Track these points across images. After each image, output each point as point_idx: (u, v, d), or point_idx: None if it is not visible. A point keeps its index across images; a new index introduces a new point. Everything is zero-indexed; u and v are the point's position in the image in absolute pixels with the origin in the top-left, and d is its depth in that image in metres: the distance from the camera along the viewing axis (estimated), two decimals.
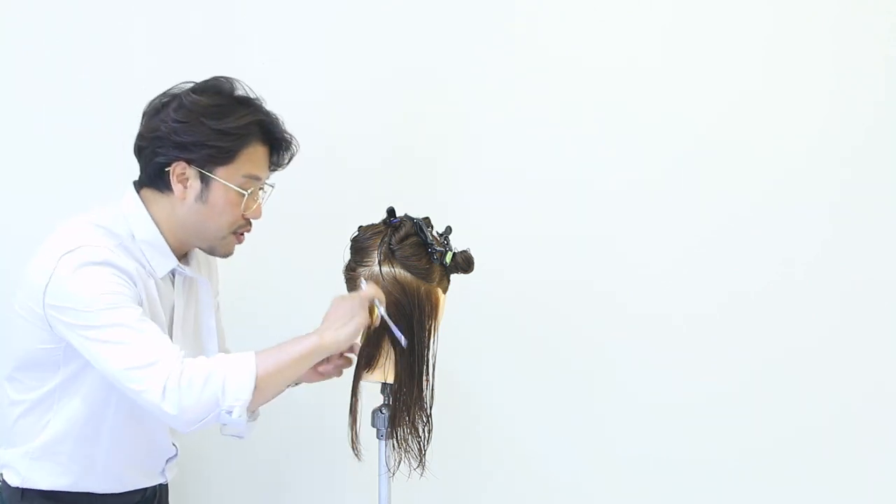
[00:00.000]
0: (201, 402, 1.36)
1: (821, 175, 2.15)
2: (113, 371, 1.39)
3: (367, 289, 1.50)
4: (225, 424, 1.45)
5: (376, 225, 1.57)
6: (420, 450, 1.59)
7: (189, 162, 1.49)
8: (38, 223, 1.60)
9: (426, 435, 1.59)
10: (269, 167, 1.59)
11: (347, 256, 1.59)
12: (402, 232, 1.54)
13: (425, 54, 2.15)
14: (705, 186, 2.16)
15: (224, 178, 1.50)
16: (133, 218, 1.53)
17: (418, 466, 1.59)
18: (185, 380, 1.36)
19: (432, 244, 1.54)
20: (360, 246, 1.56)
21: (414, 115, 2.17)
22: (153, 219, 1.53)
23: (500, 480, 2.26)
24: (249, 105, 1.54)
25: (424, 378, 1.56)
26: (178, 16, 2.11)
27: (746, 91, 2.14)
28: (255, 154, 1.53)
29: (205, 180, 1.50)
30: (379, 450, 1.60)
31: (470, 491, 2.25)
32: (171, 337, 1.57)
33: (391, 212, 1.57)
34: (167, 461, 1.68)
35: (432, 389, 1.58)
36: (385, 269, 1.52)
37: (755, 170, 2.15)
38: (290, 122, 2.13)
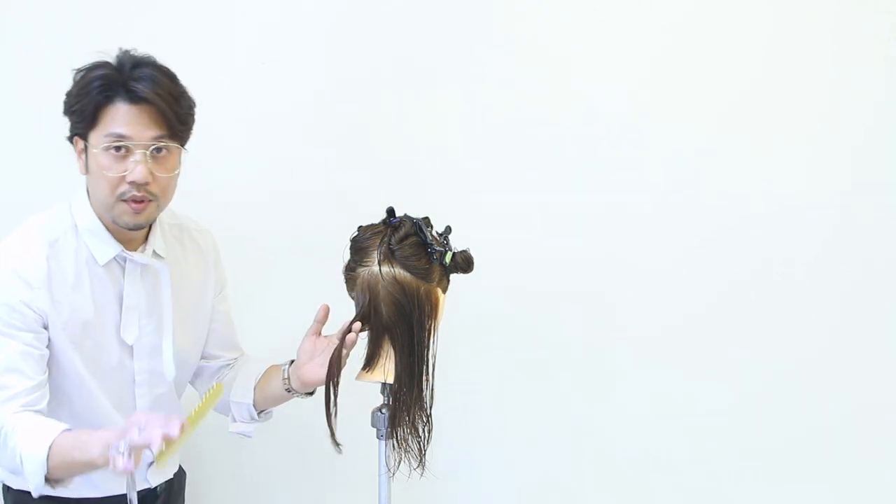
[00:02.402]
0: (5, 464, 1.45)
1: (821, 176, 2.15)
2: None
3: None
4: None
5: (376, 225, 1.57)
6: (420, 450, 1.59)
7: (79, 135, 1.50)
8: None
9: (426, 435, 1.59)
10: (158, 127, 1.47)
11: (347, 256, 1.59)
12: (402, 232, 1.53)
13: (426, 54, 2.15)
14: (704, 188, 2.16)
15: (93, 143, 1.47)
16: (75, 208, 1.54)
17: (418, 466, 1.58)
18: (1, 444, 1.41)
19: (432, 244, 1.54)
20: (359, 246, 1.56)
21: (414, 116, 2.17)
22: (93, 205, 1.54)
23: (500, 480, 2.26)
24: (105, 65, 1.48)
25: (424, 378, 1.56)
26: (178, 16, 2.11)
27: (746, 93, 2.14)
28: (115, 112, 1.45)
29: (86, 149, 1.49)
30: (379, 450, 1.59)
31: (470, 491, 2.25)
32: (121, 325, 1.57)
33: (391, 212, 1.57)
34: (148, 466, 1.65)
35: (432, 389, 1.58)
36: (385, 269, 1.52)
37: (755, 172, 2.15)
38: (290, 121, 2.15)
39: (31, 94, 2.08)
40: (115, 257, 1.55)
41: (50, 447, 1.38)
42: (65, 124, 1.52)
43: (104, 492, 1.62)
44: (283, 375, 1.66)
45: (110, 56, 1.49)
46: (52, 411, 1.52)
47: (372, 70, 2.14)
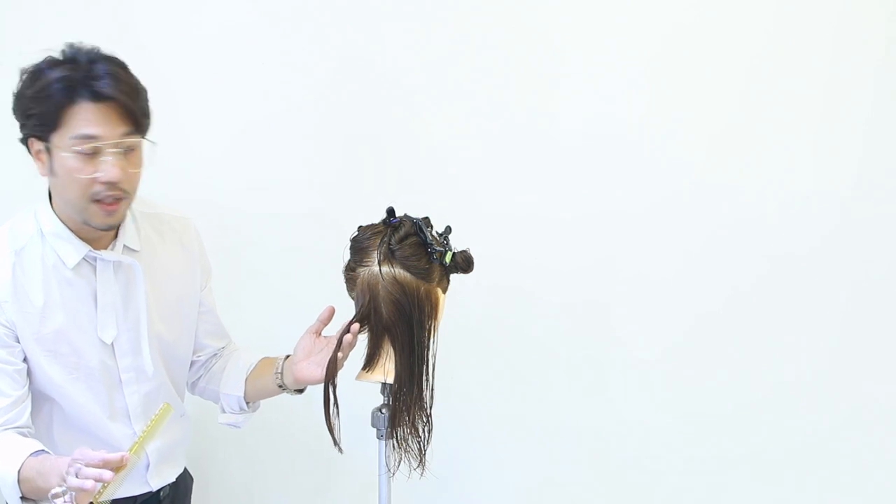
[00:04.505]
0: None
1: (824, 178, 2.15)
2: None
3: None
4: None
5: (376, 225, 1.57)
6: (420, 450, 1.59)
7: (37, 137, 1.45)
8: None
9: (426, 435, 1.59)
10: (123, 124, 1.43)
11: (347, 256, 1.59)
12: (402, 232, 1.53)
13: (426, 54, 2.15)
14: (705, 192, 2.16)
15: (57, 145, 1.42)
16: (39, 212, 1.52)
17: (418, 466, 1.58)
18: None
19: (432, 244, 1.54)
20: (359, 246, 1.56)
21: (415, 116, 2.17)
22: (54, 209, 1.51)
23: (499, 481, 2.26)
24: (63, 64, 1.43)
25: (424, 378, 1.56)
26: (178, 16, 2.11)
27: (745, 99, 2.13)
28: (82, 111, 1.41)
29: (48, 151, 1.45)
30: (379, 450, 1.59)
31: (470, 491, 2.25)
32: (98, 325, 1.54)
33: (391, 212, 1.57)
34: (146, 470, 1.65)
35: (432, 389, 1.58)
36: (385, 269, 1.51)
37: (756, 176, 2.15)
38: (290, 121, 2.15)
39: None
40: (84, 258, 1.52)
41: (19, 471, 1.38)
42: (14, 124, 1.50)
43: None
44: (277, 370, 1.64)
45: (55, 52, 1.44)
46: (47, 421, 1.52)
47: (371, 70, 2.15)
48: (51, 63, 1.43)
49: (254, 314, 2.21)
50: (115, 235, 1.56)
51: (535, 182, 2.16)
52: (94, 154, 1.42)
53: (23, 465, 1.38)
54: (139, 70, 1.51)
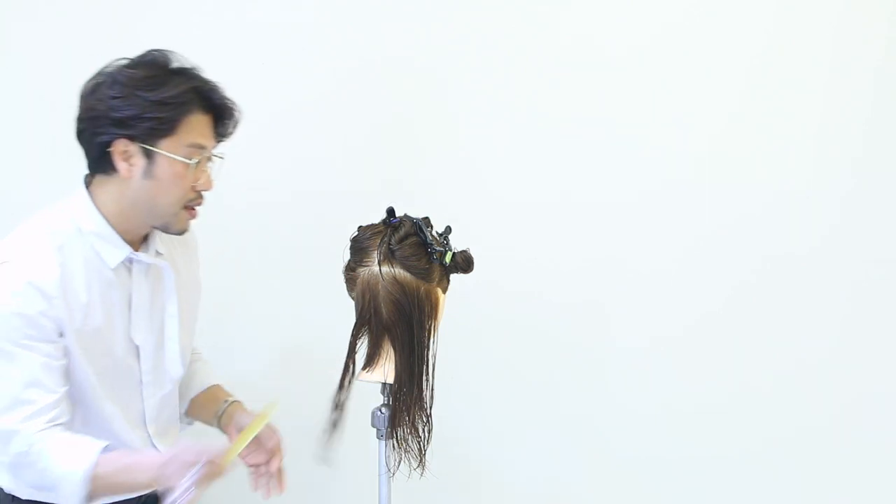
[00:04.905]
0: (33, 482, 1.45)
1: (821, 177, 2.15)
2: None
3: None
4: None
5: (376, 225, 1.57)
6: (420, 450, 1.58)
7: (131, 138, 1.46)
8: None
9: (426, 435, 1.59)
10: (215, 137, 1.55)
11: (347, 256, 1.59)
12: (402, 232, 1.53)
13: (426, 54, 2.15)
14: (703, 190, 2.16)
15: (168, 150, 1.47)
16: (78, 212, 1.51)
17: (418, 466, 1.58)
18: (31, 456, 1.40)
19: (432, 244, 1.54)
20: (359, 246, 1.56)
21: (415, 115, 2.17)
22: (100, 208, 1.51)
23: (499, 481, 2.26)
24: (185, 73, 1.50)
25: (424, 378, 1.56)
26: (178, 16, 2.11)
27: (745, 98, 2.14)
28: (198, 123, 1.49)
29: (149, 155, 1.47)
30: (379, 450, 1.59)
31: (470, 491, 2.25)
32: (131, 327, 1.56)
33: (391, 212, 1.57)
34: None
35: (432, 389, 1.58)
36: (385, 269, 1.51)
37: (755, 174, 2.15)
38: (290, 121, 2.15)
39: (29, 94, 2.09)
40: (122, 259, 1.54)
41: (92, 470, 1.40)
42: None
43: (108, 498, 1.59)
44: (218, 413, 1.70)
45: (163, 55, 1.50)
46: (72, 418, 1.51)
47: (371, 70, 2.15)
48: (169, 71, 1.49)
49: (254, 314, 2.21)
50: (144, 239, 1.59)
51: (534, 182, 2.16)
52: (199, 163, 1.50)
53: (95, 464, 1.40)
54: None
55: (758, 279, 2.16)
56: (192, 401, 1.75)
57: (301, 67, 2.14)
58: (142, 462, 1.42)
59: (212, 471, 1.38)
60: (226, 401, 1.71)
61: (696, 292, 2.17)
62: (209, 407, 1.72)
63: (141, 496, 1.65)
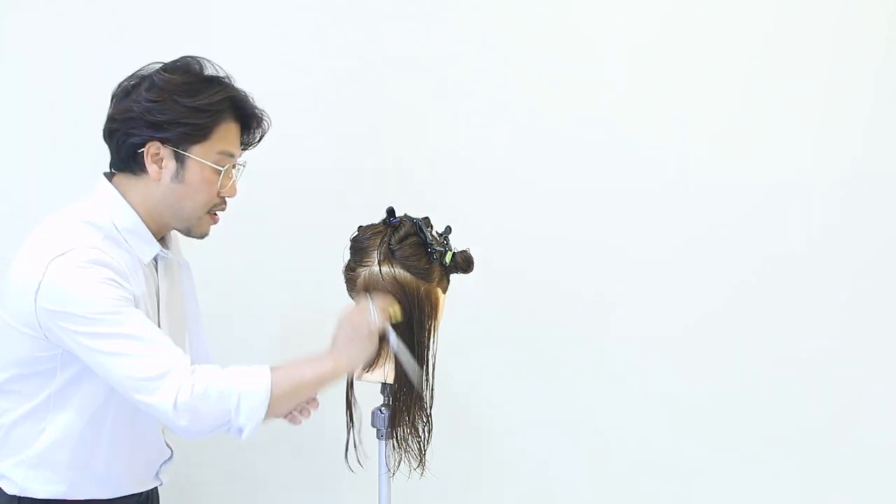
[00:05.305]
0: (213, 417, 1.39)
1: (821, 177, 2.14)
2: (121, 381, 1.39)
3: (378, 320, 1.50)
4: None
5: (376, 225, 1.57)
6: (420, 450, 1.59)
7: (163, 141, 1.48)
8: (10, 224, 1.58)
9: (426, 435, 1.59)
10: (241, 145, 1.59)
11: (347, 256, 1.59)
12: (402, 232, 1.53)
13: (426, 54, 2.15)
14: (703, 190, 2.16)
15: (200, 156, 1.50)
16: (112, 207, 1.51)
17: (418, 466, 1.58)
18: (198, 394, 1.36)
19: (432, 244, 1.54)
20: (359, 246, 1.56)
21: (415, 115, 2.17)
22: (131, 205, 1.52)
23: (500, 480, 2.26)
24: (220, 83, 1.54)
25: (424, 378, 1.56)
26: (178, 16, 2.11)
27: (746, 94, 2.13)
28: (229, 131, 1.53)
29: (180, 159, 1.50)
30: (379, 450, 1.60)
31: (470, 491, 2.25)
32: (158, 323, 1.56)
33: (391, 212, 1.57)
34: (162, 464, 1.67)
35: (432, 389, 1.58)
36: (385, 269, 1.52)
37: (754, 173, 2.14)
38: (290, 121, 2.15)
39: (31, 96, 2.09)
40: (153, 256, 1.56)
41: (271, 378, 1.40)
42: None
43: (122, 491, 1.60)
44: None
45: (197, 62, 1.54)
46: (101, 416, 1.51)
47: (371, 70, 2.15)
48: (204, 78, 1.52)
49: (253, 313, 2.21)
50: (163, 238, 1.61)
51: (535, 182, 2.16)
52: (227, 170, 1.54)
53: (273, 373, 1.42)
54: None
55: (758, 279, 2.16)
56: None
57: (301, 67, 2.14)
58: (314, 357, 1.47)
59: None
60: None
61: (696, 292, 2.17)
62: None
63: (141, 493, 1.66)
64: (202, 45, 2.09)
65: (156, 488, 1.74)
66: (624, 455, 2.22)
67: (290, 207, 2.17)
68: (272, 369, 1.43)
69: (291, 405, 1.49)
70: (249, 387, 1.39)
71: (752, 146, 2.13)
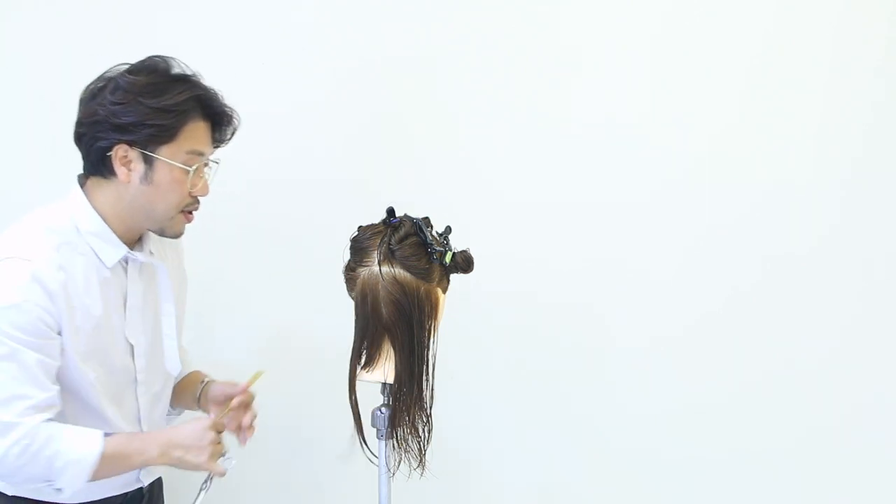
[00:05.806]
0: (36, 475, 1.44)
1: (821, 177, 2.15)
2: None
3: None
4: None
5: (376, 225, 1.57)
6: (420, 450, 1.58)
7: (131, 143, 1.48)
8: None
9: (426, 435, 1.59)
10: (212, 143, 1.58)
11: (347, 256, 1.59)
12: (402, 232, 1.53)
13: (426, 54, 2.15)
14: (703, 190, 2.16)
15: (167, 157, 1.49)
16: (76, 212, 1.52)
17: (418, 466, 1.58)
18: (28, 454, 1.40)
19: (432, 244, 1.54)
20: (359, 246, 1.56)
21: (415, 115, 2.17)
22: (97, 209, 1.52)
23: (500, 480, 2.26)
24: (187, 81, 1.52)
25: (424, 378, 1.56)
26: (177, 16, 2.11)
27: (745, 97, 2.13)
28: (197, 130, 1.52)
29: (148, 161, 1.49)
30: (379, 450, 1.59)
31: (470, 491, 2.25)
32: (126, 326, 1.57)
33: (391, 212, 1.57)
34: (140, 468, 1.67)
35: (432, 389, 1.58)
36: (385, 269, 1.51)
37: (754, 173, 2.14)
38: (290, 121, 2.15)
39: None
40: (119, 259, 1.55)
41: (101, 451, 1.43)
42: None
43: (97, 495, 1.61)
44: (196, 393, 1.73)
45: (164, 61, 1.52)
46: (61, 420, 1.51)
47: (371, 70, 2.15)
48: (170, 77, 1.51)
49: (253, 313, 2.21)
50: (139, 240, 1.60)
51: (535, 182, 2.16)
52: (196, 169, 1.52)
53: (104, 444, 1.44)
54: None
55: (758, 279, 2.16)
56: (174, 389, 1.76)
57: (301, 67, 2.14)
58: (148, 438, 1.50)
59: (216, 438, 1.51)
60: (202, 381, 1.74)
61: (696, 292, 2.17)
62: (189, 390, 1.75)
63: (126, 493, 1.66)
64: (202, 45, 2.10)
65: (160, 487, 1.74)
66: (624, 455, 2.22)
67: (291, 207, 2.17)
68: (107, 441, 1.45)
69: (113, 475, 1.52)
70: (78, 457, 1.43)
71: (753, 146, 2.13)
